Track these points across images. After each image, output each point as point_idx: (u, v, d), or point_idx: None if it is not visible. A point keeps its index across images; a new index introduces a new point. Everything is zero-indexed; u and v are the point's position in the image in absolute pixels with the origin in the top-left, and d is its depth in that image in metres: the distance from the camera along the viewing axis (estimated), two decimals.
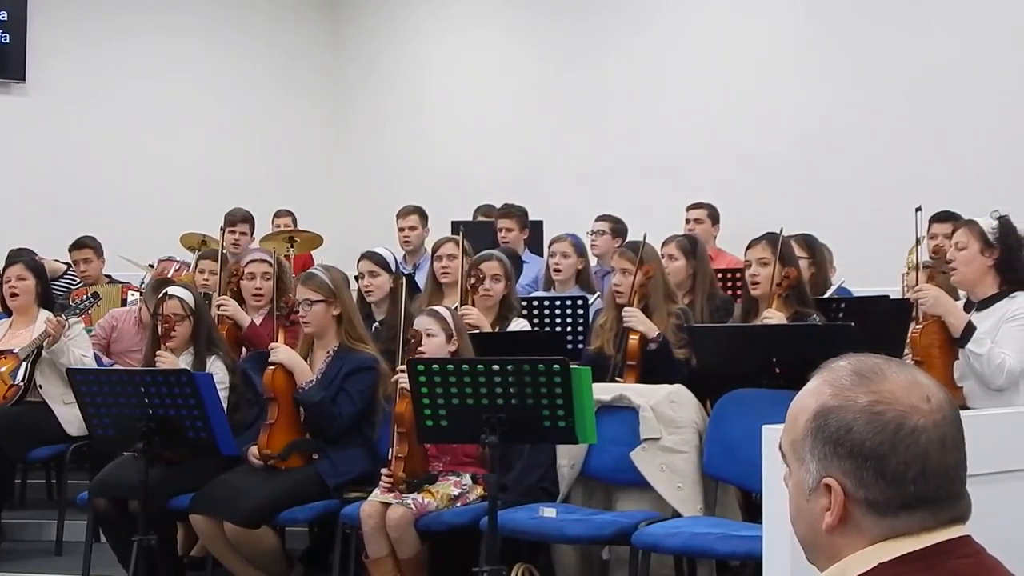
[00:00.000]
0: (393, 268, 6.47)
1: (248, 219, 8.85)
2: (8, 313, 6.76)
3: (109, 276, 8.67)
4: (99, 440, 5.78)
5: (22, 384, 6.49)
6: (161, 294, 6.05)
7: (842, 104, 8.24)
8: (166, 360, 5.73)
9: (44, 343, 6.46)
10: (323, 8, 12.06)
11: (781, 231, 5.65)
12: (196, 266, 7.50)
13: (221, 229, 8.35)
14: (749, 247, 5.75)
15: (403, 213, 8.66)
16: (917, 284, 4.95)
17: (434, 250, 6.72)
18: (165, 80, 11.10)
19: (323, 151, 11.81)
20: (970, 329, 4.64)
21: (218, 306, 6.27)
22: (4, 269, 6.84)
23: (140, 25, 11.03)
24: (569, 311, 6.52)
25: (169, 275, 7.77)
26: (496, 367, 4.73)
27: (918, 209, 5.26)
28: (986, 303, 4.76)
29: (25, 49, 10.53)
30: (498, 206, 8.74)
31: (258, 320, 6.35)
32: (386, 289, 6.22)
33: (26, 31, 10.50)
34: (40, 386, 6.52)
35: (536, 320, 6.43)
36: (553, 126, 10.09)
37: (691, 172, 8.88)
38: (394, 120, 11.46)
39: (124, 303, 8.05)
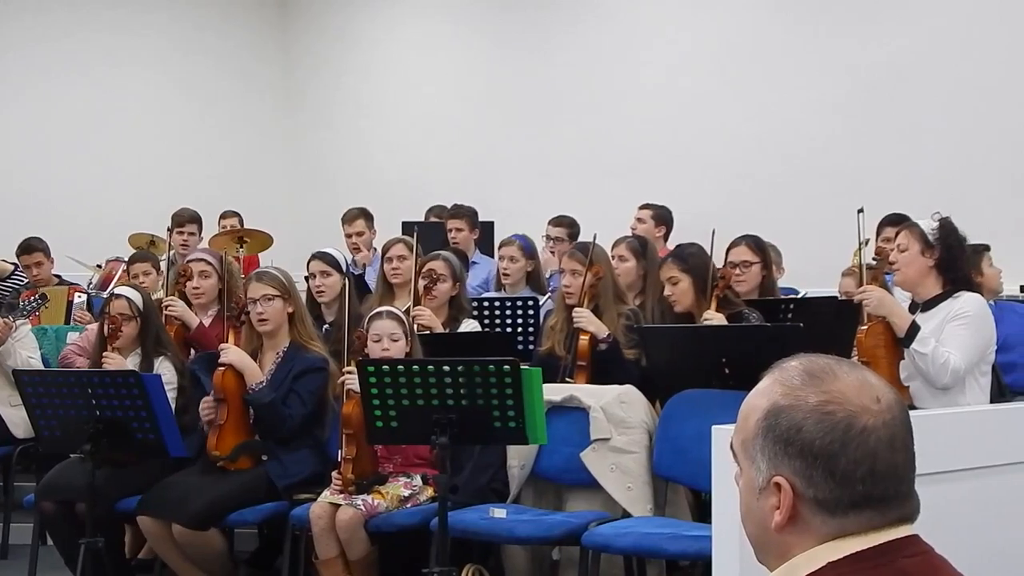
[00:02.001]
0: (344, 269, 6.45)
1: (196, 220, 8.80)
2: None
3: (59, 276, 8.59)
4: (46, 442, 5.71)
5: None
6: (108, 294, 6.01)
7: (789, 106, 8.30)
8: (113, 361, 5.68)
9: None
10: (272, 7, 12.01)
11: (713, 233, 5.70)
12: (129, 269, 7.43)
13: (168, 230, 8.30)
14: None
15: (348, 218, 8.54)
16: (862, 286, 4.98)
17: (384, 251, 6.69)
18: (113, 79, 11.03)
19: (272, 151, 11.76)
20: (914, 329, 4.69)
21: (165, 307, 6.22)
22: None
23: (88, 23, 10.96)
24: (520, 312, 6.53)
25: (117, 276, 7.71)
26: (446, 368, 4.73)
27: (860, 211, 5.30)
28: (930, 303, 4.80)
29: None
30: (449, 207, 8.74)
31: (206, 321, 6.30)
32: (337, 289, 6.21)
33: None
34: None
35: (487, 321, 6.43)
36: (504, 126, 10.10)
37: (641, 173, 8.91)
38: (344, 120, 11.42)
39: (70, 304, 7.98)
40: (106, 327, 5.78)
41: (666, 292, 5.73)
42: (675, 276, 5.62)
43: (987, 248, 6.06)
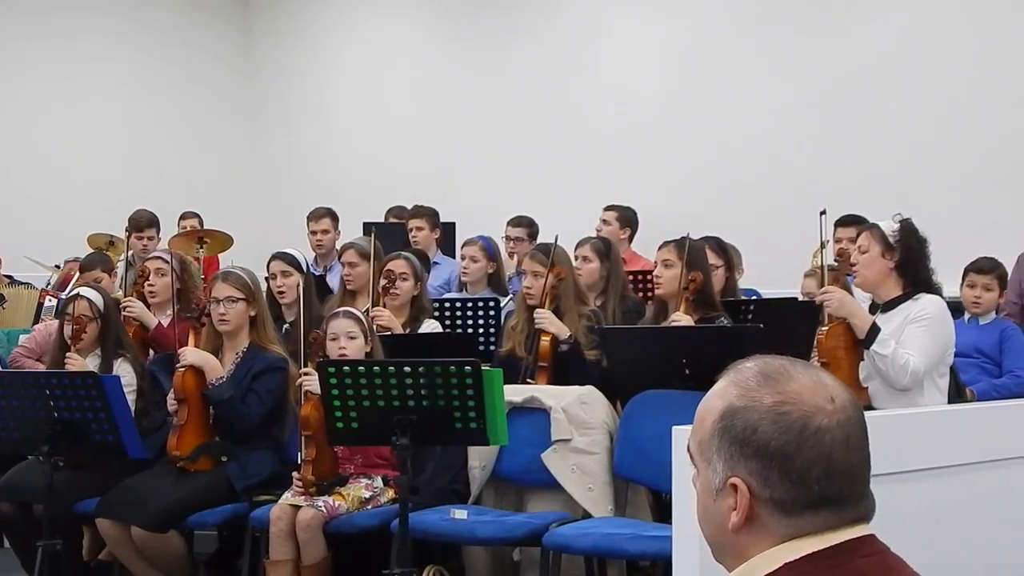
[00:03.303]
0: (304, 269, 6.44)
1: (154, 223, 8.75)
2: None
3: (10, 277, 8.53)
4: (3, 443, 5.67)
5: None
6: (71, 295, 5.98)
7: (750, 108, 8.34)
8: (75, 362, 5.64)
9: None
10: (234, 8, 11.96)
11: (688, 235, 5.70)
12: (80, 272, 7.38)
13: (127, 232, 8.24)
14: (658, 250, 5.82)
15: (315, 216, 8.58)
16: (822, 287, 5.00)
17: (340, 252, 6.70)
18: (72, 81, 10.98)
19: (233, 151, 11.72)
20: (874, 330, 4.71)
21: (124, 307, 6.19)
22: None
23: (48, 24, 10.87)
24: (481, 313, 6.54)
25: (76, 276, 7.67)
26: (407, 369, 4.73)
27: (823, 212, 5.32)
28: (890, 305, 4.83)
29: None
30: (410, 207, 8.74)
31: (165, 322, 6.27)
32: (297, 290, 6.18)
33: None
34: None
35: (448, 322, 6.44)
36: (465, 127, 10.10)
37: (601, 174, 8.93)
38: (305, 121, 11.40)
39: (40, 307, 7.94)
40: (68, 328, 5.75)
41: (655, 272, 5.73)
42: (671, 260, 5.60)
43: None
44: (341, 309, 5.58)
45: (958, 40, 7.38)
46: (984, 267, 6.06)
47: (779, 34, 8.23)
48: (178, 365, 5.50)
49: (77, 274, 7.76)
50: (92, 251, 8.27)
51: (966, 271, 6.05)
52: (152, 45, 11.41)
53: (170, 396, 5.51)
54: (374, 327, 5.64)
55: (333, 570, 5.12)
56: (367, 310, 5.90)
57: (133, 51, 11.34)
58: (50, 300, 7.98)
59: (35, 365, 6.44)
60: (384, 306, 6.09)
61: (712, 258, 5.94)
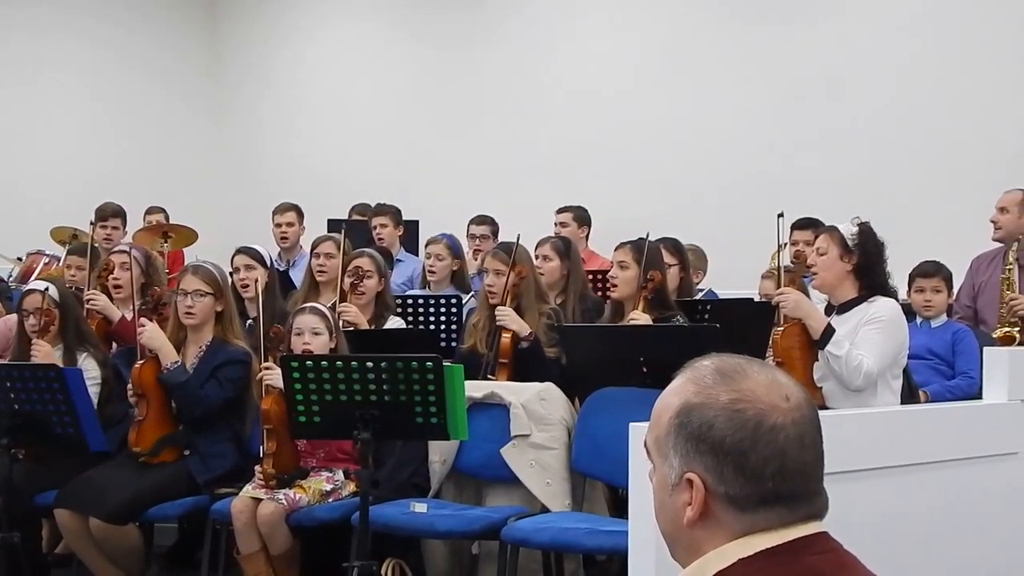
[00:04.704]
0: (268, 264, 6.41)
1: (119, 213, 8.70)
2: None
3: None
4: None
5: None
6: (26, 288, 5.95)
7: (709, 112, 8.38)
8: (42, 351, 5.61)
9: None
10: (200, 6, 11.90)
11: (647, 236, 5.72)
12: (64, 261, 7.35)
13: (91, 224, 8.20)
14: (615, 250, 5.84)
15: (280, 210, 8.60)
16: (779, 288, 5.02)
17: (313, 247, 6.68)
18: (36, 76, 10.89)
19: (199, 148, 11.66)
20: (829, 331, 4.73)
21: (87, 300, 6.15)
22: None
23: (12, 19, 10.79)
24: (443, 310, 6.54)
25: (38, 269, 7.61)
26: (370, 364, 4.73)
27: (780, 215, 5.35)
28: (845, 307, 4.85)
29: None
30: (373, 205, 8.74)
31: (128, 315, 6.23)
32: (261, 282, 6.16)
33: None
34: None
35: (411, 318, 6.44)
36: (429, 127, 10.10)
37: (564, 175, 8.95)
38: (271, 118, 11.38)
39: None
40: (30, 320, 5.71)
41: (611, 274, 5.76)
42: (626, 262, 5.62)
43: None
44: (307, 305, 5.56)
45: (917, 50, 7.44)
46: (929, 271, 6.11)
47: (737, 41, 8.27)
48: (137, 337, 5.49)
49: (40, 265, 7.71)
50: (56, 243, 8.22)
51: (912, 277, 6.09)
52: (118, 43, 11.34)
53: (130, 390, 5.48)
54: (340, 323, 5.63)
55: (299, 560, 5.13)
56: (333, 305, 5.90)
57: (98, 48, 11.26)
58: None
59: None
60: (349, 302, 6.10)
61: (668, 258, 5.96)
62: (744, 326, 5.43)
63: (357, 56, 10.71)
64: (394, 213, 8.51)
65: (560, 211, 8.21)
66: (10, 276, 8.23)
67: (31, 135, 10.77)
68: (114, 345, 6.11)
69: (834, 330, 4.73)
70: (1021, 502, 2.37)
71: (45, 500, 5.36)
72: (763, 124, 8.09)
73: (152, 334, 5.47)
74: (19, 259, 8.40)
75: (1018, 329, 6.06)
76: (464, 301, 6.66)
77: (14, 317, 6.18)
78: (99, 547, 5.28)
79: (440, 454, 5.31)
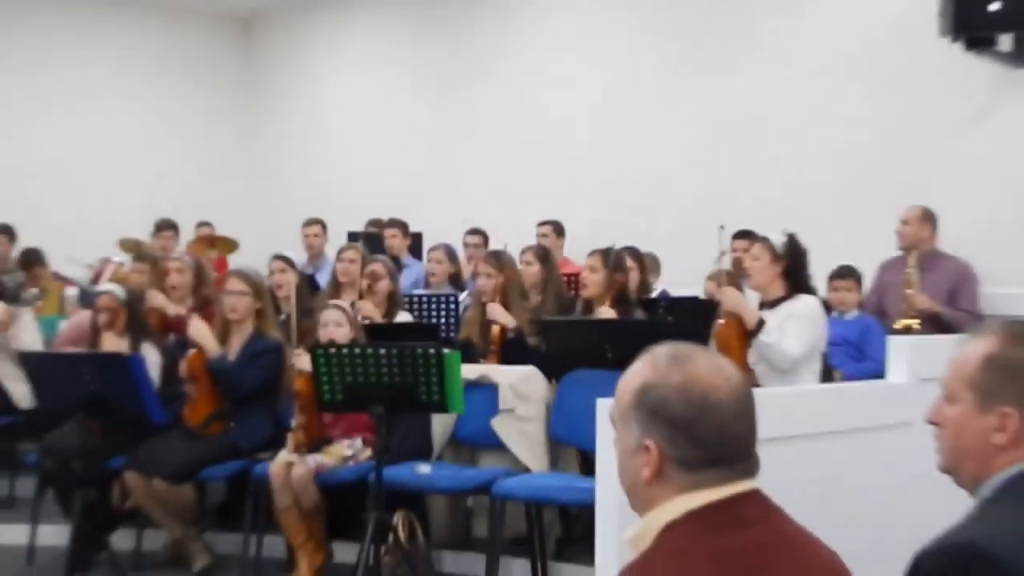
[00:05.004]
0: (298, 269, 6.43)
1: (174, 226, 8.76)
2: None
3: (56, 273, 8.46)
4: (46, 411, 5.64)
5: None
6: (99, 290, 5.96)
7: (662, 143, 8.36)
8: (110, 342, 5.61)
9: None
10: (238, 52, 11.88)
11: (613, 245, 5.74)
12: (129, 266, 7.36)
13: (151, 235, 8.22)
14: (587, 257, 5.85)
15: (308, 223, 8.70)
16: (720, 288, 5.04)
17: (338, 253, 6.70)
18: (105, 109, 10.85)
19: (240, 171, 11.63)
20: (761, 324, 4.75)
21: (148, 299, 6.15)
22: None
23: (78, 57, 10.74)
24: (443, 306, 6.54)
25: (108, 273, 7.61)
26: (383, 351, 4.73)
27: (721, 227, 5.36)
28: (775, 303, 4.86)
29: None
30: (385, 220, 8.75)
31: (183, 312, 6.23)
32: (293, 284, 6.17)
33: None
34: None
35: (416, 313, 6.43)
36: (430, 154, 10.09)
37: (544, 194, 8.93)
38: (298, 146, 11.34)
39: (63, 298, 7.87)
40: (101, 316, 5.72)
41: (582, 276, 5.77)
42: (595, 267, 5.62)
43: None
44: (332, 302, 5.59)
45: (828, 90, 7.45)
46: (843, 273, 6.16)
47: (684, 86, 8.26)
48: (187, 332, 5.50)
49: (109, 270, 7.70)
50: (123, 252, 8.21)
51: (830, 278, 6.12)
52: (169, 80, 11.29)
53: (184, 374, 5.49)
54: (358, 317, 5.64)
55: (325, 514, 5.14)
56: (353, 302, 5.91)
57: (153, 84, 11.20)
58: (70, 291, 7.90)
59: (72, 348, 6.39)
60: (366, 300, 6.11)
61: (629, 263, 5.97)
62: (692, 319, 5.45)
63: (370, 94, 10.69)
64: (402, 226, 8.53)
65: (541, 224, 8.21)
66: (85, 280, 8.21)
67: (101, 163, 10.73)
68: (171, 337, 6.11)
69: (765, 322, 4.76)
70: (916, 462, 2.40)
71: (115, 464, 5.36)
72: (706, 152, 8.09)
73: (197, 329, 5.47)
74: (91, 265, 8.37)
75: (916, 321, 6.09)
76: (460, 299, 6.66)
77: (88, 313, 6.18)
78: (160, 503, 5.29)
79: (441, 425, 5.32)
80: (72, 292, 7.84)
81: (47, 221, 9.53)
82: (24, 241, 8.59)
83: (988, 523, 1.80)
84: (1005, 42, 6.21)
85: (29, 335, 6.45)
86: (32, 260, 8.31)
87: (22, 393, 6.14)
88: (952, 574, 1.69)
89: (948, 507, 1.97)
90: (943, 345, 3.10)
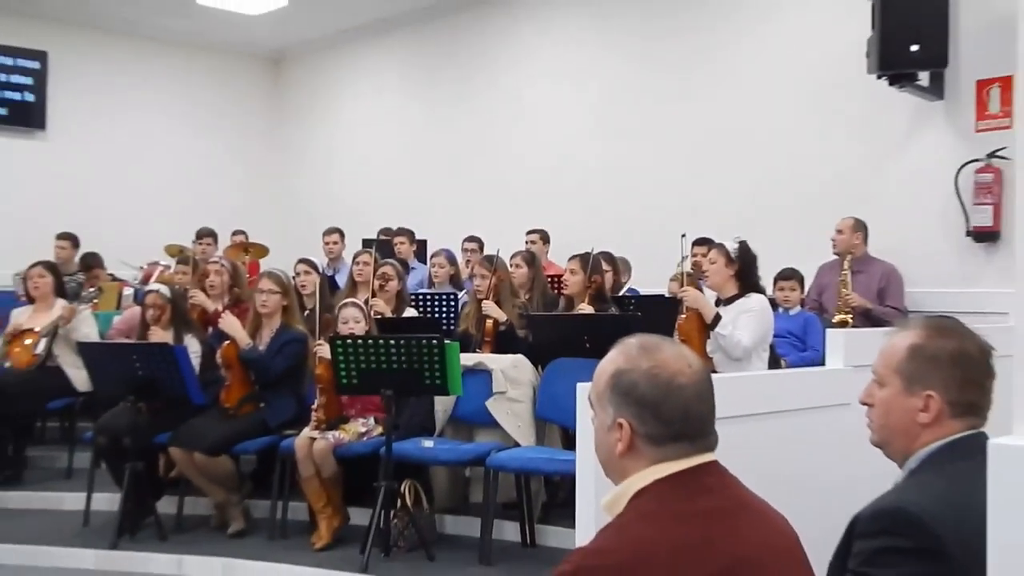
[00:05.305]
0: (320, 271, 6.42)
1: (212, 234, 8.74)
2: (31, 301, 6.54)
3: (112, 275, 8.45)
4: (101, 394, 5.63)
5: (41, 355, 6.29)
6: (148, 289, 5.95)
7: (634, 158, 8.37)
8: (157, 334, 5.60)
9: (60, 324, 6.29)
10: (269, 85, 11.87)
11: (592, 250, 5.74)
12: (174, 269, 7.35)
13: (193, 241, 8.20)
14: (568, 260, 5.85)
15: (328, 232, 8.66)
16: (682, 287, 5.04)
17: (354, 257, 6.70)
18: (153, 132, 10.84)
19: (269, 186, 11.61)
20: (718, 318, 4.75)
21: (190, 297, 6.13)
22: (27, 270, 6.63)
23: (134, 86, 10.73)
24: (444, 303, 6.54)
25: (155, 274, 7.59)
26: (392, 342, 4.74)
27: (683, 235, 5.36)
28: (729, 301, 4.87)
29: (45, 105, 10.14)
30: (395, 228, 8.74)
31: (221, 308, 6.21)
32: (315, 285, 6.16)
33: (46, 92, 10.13)
34: (56, 355, 6.34)
35: (421, 309, 6.43)
36: (432, 171, 10.08)
37: (531, 205, 8.93)
38: (320, 166, 11.34)
39: (120, 296, 7.85)
40: (149, 312, 5.71)
41: (564, 278, 5.79)
42: (575, 269, 5.66)
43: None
44: (349, 301, 5.58)
45: (779, 117, 7.46)
46: (787, 275, 6.16)
47: (653, 110, 8.27)
48: (218, 326, 5.49)
49: (157, 272, 7.68)
50: (170, 256, 8.19)
51: (776, 279, 6.13)
52: (211, 109, 11.30)
53: (220, 362, 5.47)
54: (371, 312, 5.64)
55: (342, 483, 5.13)
56: (367, 300, 5.91)
57: (197, 114, 11.20)
58: (127, 290, 7.89)
59: (123, 339, 6.36)
60: (376, 297, 6.10)
61: (604, 266, 5.98)
62: (658, 314, 5.44)
63: (381, 122, 10.68)
64: (409, 234, 8.53)
65: (529, 232, 8.22)
66: (135, 279, 8.20)
67: (151, 180, 10.72)
68: (210, 329, 6.09)
69: (720, 317, 4.76)
70: (852, 438, 2.40)
71: (161, 440, 5.35)
72: (671, 170, 8.09)
73: (229, 323, 5.46)
74: (141, 267, 8.36)
75: (850, 316, 6.10)
76: (459, 297, 6.66)
77: (138, 309, 6.16)
78: (201, 473, 5.27)
79: (442, 405, 5.32)
80: (128, 291, 7.83)
81: (104, 230, 9.50)
82: (85, 247, 8.57)
83: (913, 490, 1.81)
84: (924, 78, 6.28)
85: (87, 328, 6.45)
86: (91, 263, 8.34)
87: (81, 378, 6.13)
88: (884, 533, 1.70)
89: (879, 477, 1.97)
90: (874, 337, 3.09)
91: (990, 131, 6.17)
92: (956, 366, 1.89)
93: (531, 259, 6.35)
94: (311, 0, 9.85)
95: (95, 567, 4.98)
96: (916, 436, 1.89)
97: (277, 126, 11.76)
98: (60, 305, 6.44)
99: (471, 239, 8.29)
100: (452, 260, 7.55)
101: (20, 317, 6.49)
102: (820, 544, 1.83)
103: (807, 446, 3.28)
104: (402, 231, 8.56)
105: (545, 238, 8.24)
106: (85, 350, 5.55)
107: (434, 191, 9.97)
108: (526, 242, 8.05)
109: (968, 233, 6.22)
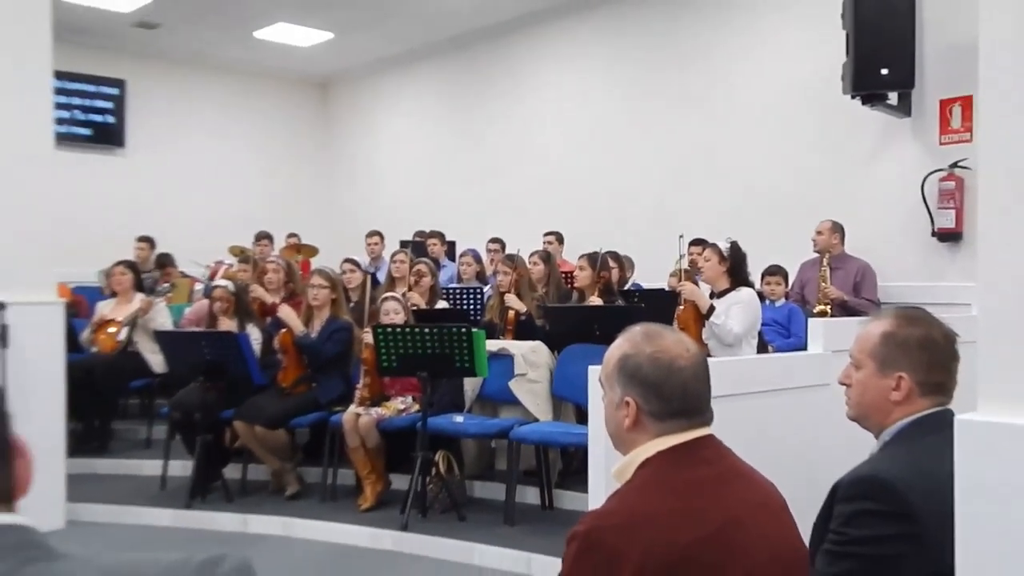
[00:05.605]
0: (363, 268, 6.43)
1: (269, 236, 8.79)
2: (114, 295, 6.60)
3: (183, 272, 8.50)
4: (175, 375, 5.67)
5: (123, 341, 6.34)
6: (215, 284, 5.99)
7: (636, 170, 8.34)
8: (223, 323, 5.64)
9: (139, 315, 6.34)
10: (318, 107, 11.89)
11: (600, 250, 5.72)
12: (236, 266, 7.39)
13: (253, 243, 8.24)
14: (578, 259, 5.84)
15: (370, 234, 8.65)
16: (680, 282, 5.03)
17: (392, 256, 6.71)
18: (216, 148, 10.88)
19: (318, 194, 11.64)
20: (712, 309, 4.74)
21: (251, 291, 6.16)
22: (111, 268, 6.72)
23: (200, 109, 10.79)
24: (471, 296, 6.54)
25: (220, 271, 7.63)
26: (427, 330, 4.74)
27: (681, 236, 5.34)
28: (722, 294, 4.85)
29: (124, 126, 10.20)
30: (428, 231, 8.75)
31: (277, 300, 6.24)
32: (359, 281, 6.18)
33: (125, 115, 10.19)
34: (136, 342, 6.38)
35: (452, 301, 6.44)
36: (460, 181, 10.07)
37: (546, 209, 8.91)
38: (361, 176, 11.35)
39: (191, 290, 7.92)
40: (215, 304, 5.75)
41: (575, 273, 5.78)
42: (585, 266, 5.66)
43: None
44: (389, 295, 5.59)
45: (763, 130, 7.41)
46: (773, 271, 6.12)
47: (653, 124, 8.22)
48: (277, 315, 5.52)
49: (221, 270, 7.73)
50: (233, 256, 8.24)
51: (763, 274, 6.09)
52: (268, 128, 11.33)
53: (277, 347, 5.50)
54: (408, 304, 5.64)
55: (384, 452, 5.14)
56: (404, 294, 5.92)
57: (255, 132, 11.24)
58: (197, 285, 7.94)
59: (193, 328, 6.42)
60: (412, 291, 6.10)
61: (611, 263, 5.96)
62: (659, 306, 5.42)
63: (415, 138, 10.69)
64: (440, 236, 8.53)
65: (546, 234, 8.20)
66: (203, 276, 8.26)
67: (216, 190, 10.77)
68: (268, 319, 6.12)
69: (714, 308, 4.74)
70: (831, 414, 2.39)
71: (226, 415, 5.38)
72: (670, 178, 8.06)
73: (285, 314, 5.48)
74: (208, 266, 8.41)
75: (828, 307, 6.06)
76: (484, 291, 6.66)
77: (206, 302, 6.20)
78: (261, 443, 5.30)
79: (471, 386, 5.33)
80: (198, 287, 7.89)
81: (176, 234, 9.56)
82: (160, 248, 8.63)
83: (887, 460, 1.79)
84: (893, 98, 6.23)
85: (162, 318, 6.49)
86: (165, 262, 8.40)
87: (157, 361, 6.18)
88: (860, 498, 1.69)
89: (855, 448, 1.95)
90: (850, 325, 3.07)
91: (952, 144, 6.12)
92: (924, 350, 1.87)
93: (547, 257, 6.34)
94: (354, 34, 9.87)
95: (171, 524, 5.03)
96: (889, 412, 1.88)
97: (324, 142, 11.80)
98: (139, 298, 6.48)
99: (494, 240, 8.28)
100: (478, 259, 7.55)
101: (105, 309, 6.55)
102: (804, 506, 1.82)
103: (792, 421, 3.27)
104: (434, 233, 8.56)
105: (559, 239, 8.23)
106: (161, 337, 5.59)
107: (462, 198, 9.98)
108: (543, 242, 8.04)
109: (933, 234, 6.17)
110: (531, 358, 5.19)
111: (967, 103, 6.05)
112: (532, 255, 6.36)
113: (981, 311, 1.57)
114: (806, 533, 1.76)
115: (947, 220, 6.09)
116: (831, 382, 2.16)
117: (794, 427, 3.25)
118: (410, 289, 6.10)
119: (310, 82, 11.78)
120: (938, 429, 1.76)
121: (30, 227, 4.88)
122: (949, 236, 6.09)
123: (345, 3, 8.79)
